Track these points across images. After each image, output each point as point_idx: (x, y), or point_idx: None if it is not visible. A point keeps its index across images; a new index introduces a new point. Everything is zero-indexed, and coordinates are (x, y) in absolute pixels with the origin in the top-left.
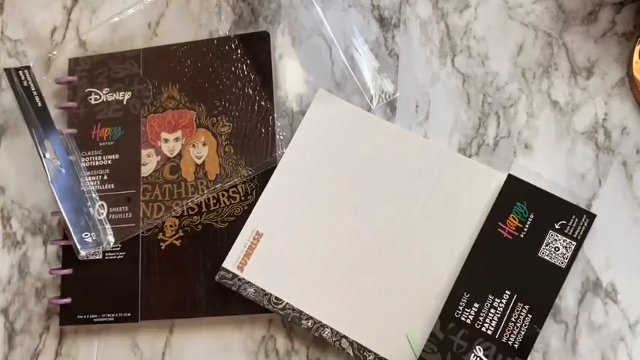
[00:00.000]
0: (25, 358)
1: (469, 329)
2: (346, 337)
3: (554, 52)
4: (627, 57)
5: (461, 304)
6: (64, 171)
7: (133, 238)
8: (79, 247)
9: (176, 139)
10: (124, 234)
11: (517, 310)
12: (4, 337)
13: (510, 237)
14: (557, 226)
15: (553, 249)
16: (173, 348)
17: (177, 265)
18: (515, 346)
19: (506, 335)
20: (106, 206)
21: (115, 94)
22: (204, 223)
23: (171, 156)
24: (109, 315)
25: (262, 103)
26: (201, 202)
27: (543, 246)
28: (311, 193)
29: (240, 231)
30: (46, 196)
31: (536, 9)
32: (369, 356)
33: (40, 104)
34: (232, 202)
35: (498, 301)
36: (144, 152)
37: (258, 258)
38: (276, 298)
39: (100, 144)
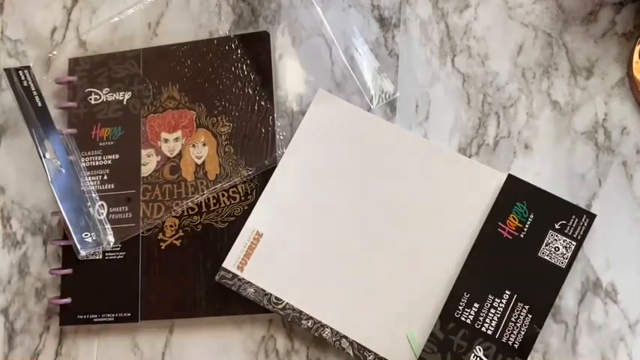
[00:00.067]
0: (25, 358)
1: (469, 329)
2: (346, 337)
3: (554, 52)
4: (627, 57)
5: (461, 304)
6: (64, 171)
7: (133, 238)
8: (79, 247)
9: (176, 139)
10: (124, 234)
11: (517, 310)
12: (4, 337)
13: (510, 237)
14: (557, 226)
15: (553, 249)
16: (173, 348)
17: (177, 265)
18: (515, 346)
19: (506, 335)
20: (106, 206)
21: (115, 94)
22: (204, 223)
23: (171, 156)
24: (109, 315)
25: (262, 103)
26: (201, 202)
27: (543, 246)
28: (311, 193)
29: (240, 231)
30: (46, 196)
31: (536, 9)
32: (369, 356)
33: (40, 104)
34: (232, 202)
35: (498, 301)
36: (144, 152)
37: (258, 258)
38: (276, 298)
39: (100, 144)
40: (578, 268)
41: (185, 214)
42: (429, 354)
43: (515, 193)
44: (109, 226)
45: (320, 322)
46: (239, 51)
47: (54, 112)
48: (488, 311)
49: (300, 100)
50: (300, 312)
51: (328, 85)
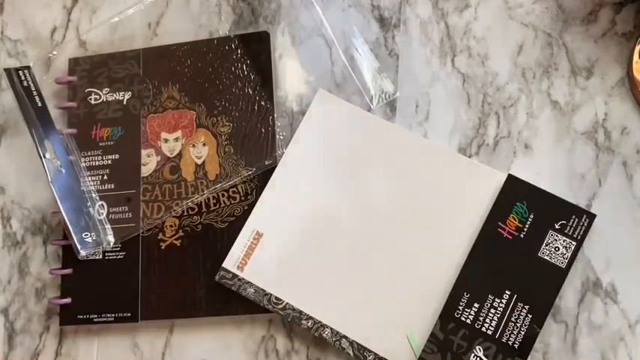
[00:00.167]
0: (25, 358)
1: (469, 329)
2: (346, 337)
3: (554, 52)
4: (627, 57)
5: (461, 304)
6: (64, 171)
7: (133, 238)
8: (79, 247)
9: (176, 139)
10: (124, 234)
11: (517, 310)
12: (4, 337)
13: (510, 237)
14: (557, 226)
15: (553, 249)
16: (173, 348)
17: (177, 265)
18: (515, 346)
19: (506, 335)
20: (106, 206)
21: (115, 94)
22: (204, 223)
23: (171, 156)
24: (109, 315)
25: (262, 103)
26: (201, 202)
27: (543, 246)
28: (311, 192)
29: (240, 231)
30: (46, 196)
31: (536, 9)
32: (369, 356)
33: (40, 104)
34: (232, 202)
35: (498, 301)
36: (144, 152)
37: (258, 258)
38: (276, 298)
39: (100, 144)
40: (578, 268)
41: (185, 214)
42: (429, 354)
43: (515, 193)
44: (109, 226)
45: (320, 322)
46: (239, 51)
47: (54, 112)
48: (488, 311)
49: (300, 100)
50: (300, 312)
51: (328, 85)
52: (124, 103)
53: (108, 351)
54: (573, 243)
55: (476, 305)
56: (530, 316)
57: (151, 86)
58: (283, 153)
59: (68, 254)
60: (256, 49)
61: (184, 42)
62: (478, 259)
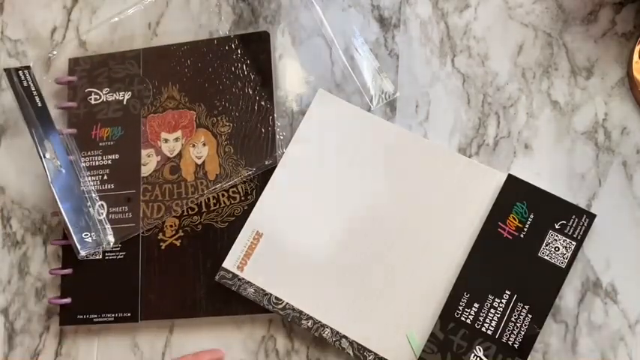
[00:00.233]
0: (25, 358)
1: (469, 329)
2: (346, 337)
3: (554, 52)
4: (627, 57)
5: (461, 304)
6: (64, 171)
7: (133, 238)
8: (79, 247)
9: (176, 139)
10: (124, 234)
11: (517, 310)
12: (4, 337)
13: (510, 237)
14: (557, 226)
15: (553, 249)
16: (173, 348)
17: (177, 265)
18: (515, 346)
19: (506, 335)
20: (106, 206)
21: (115, 94)
22: (204, 223)
23: (171, 156)
24: (109, 315)
25: (262, 103)
26: (201, 202)
27: (543, 246)
28: (311, 192)
29: (240, 231)
30: (46, 196)
31: (536, 9)
32: (369, 356)
33: (40, 104)
34: (232, 202)
35: (498, 301)
36: (144, 152)
37: (258, 258)
38: (276, 298)
39: (100, 144)
40: (578, 268)
41: (185, 214)
42: (429, 354)
43: (515, 193)
44: (109, 226)
45: (320, 322)
46: (239, 51)
47: (54, 112)
48: (488, 311)
49: (300, 100)
50: (300, 312)
51: (328, 85)
52: (124, 103)
53: (108, 351)
54: (573, 243)
55: (476, 305)
56: (530, 316)
57: (150, 86)
58: (283, 153)
59: (68, 254)
60: (256, 49)
61: (184, 42)
62: (478, 259)
